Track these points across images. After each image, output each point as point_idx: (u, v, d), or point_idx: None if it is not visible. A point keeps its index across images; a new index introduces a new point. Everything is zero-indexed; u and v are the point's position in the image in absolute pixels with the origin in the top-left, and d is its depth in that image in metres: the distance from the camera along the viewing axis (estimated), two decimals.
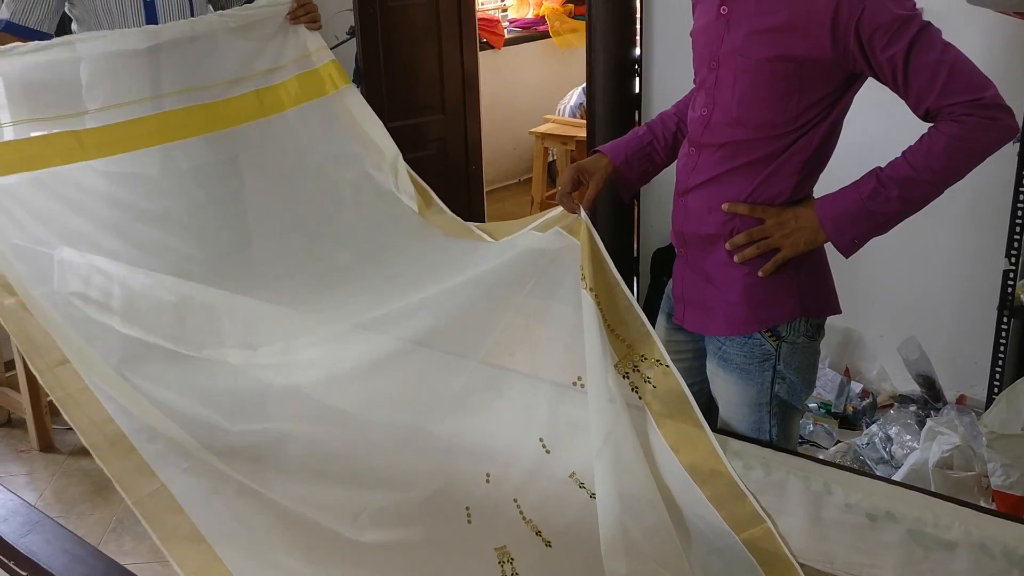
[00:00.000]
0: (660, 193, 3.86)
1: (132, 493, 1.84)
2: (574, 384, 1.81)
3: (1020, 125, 1.66)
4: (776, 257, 1.70)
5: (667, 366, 1.66)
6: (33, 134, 2.09)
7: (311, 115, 2.40)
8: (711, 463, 1.62)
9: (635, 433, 1.68)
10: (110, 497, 2.99)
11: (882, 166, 1.64)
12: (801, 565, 1.69)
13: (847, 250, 1.68)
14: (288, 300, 2.06)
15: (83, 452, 3.27)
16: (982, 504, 2.37)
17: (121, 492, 1.83)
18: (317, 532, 1.93)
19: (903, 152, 1.62)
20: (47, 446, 3.32)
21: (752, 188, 1.71)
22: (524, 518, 1.88)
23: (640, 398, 1.68)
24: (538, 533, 1.87)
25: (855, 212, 1.64)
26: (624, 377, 1.69)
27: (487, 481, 1.90)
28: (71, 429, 3.23)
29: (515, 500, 1.88)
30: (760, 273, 1.71)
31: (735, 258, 1.72)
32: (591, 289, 1.65)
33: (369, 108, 2.41)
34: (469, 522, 1.92)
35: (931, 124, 1.60)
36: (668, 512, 1.68)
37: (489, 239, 1.97)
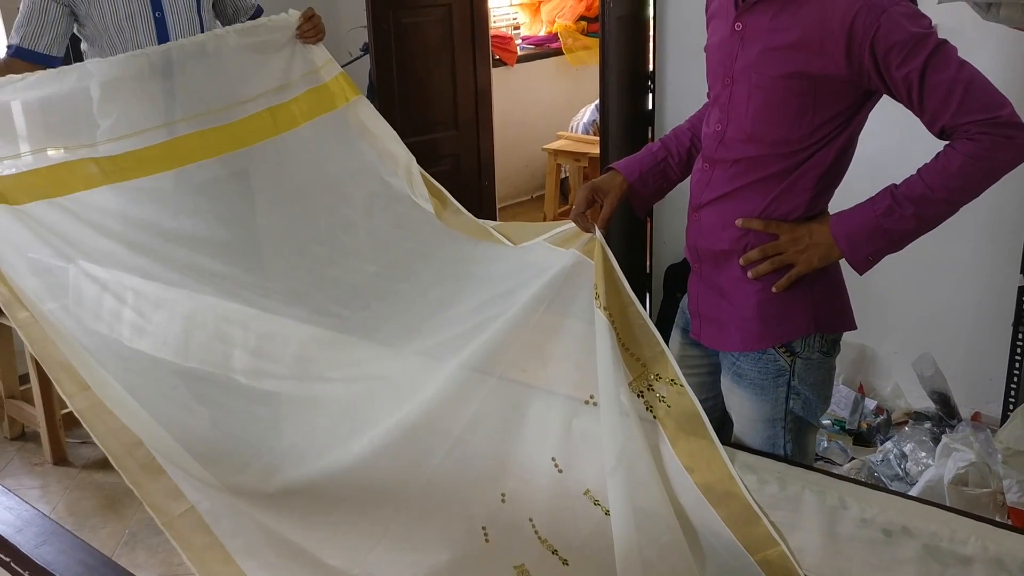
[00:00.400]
0: (673, 209, 3.87)
1: (162, 515, 1.85)
2: (587, 402, 1.81)
3: None
4: (790, 273, 1.69)
5: (682, 385, 1.65)
6: (52, 161, 2.11)
7: (324, 128, 2.42)
8: (725, 485, 1.61)
9: (649, 451, 1.68)
10: (123, 511, 2.99)
11: (897, 183, 1.63)
12: None
13: (861, 267, 1.68)
14: (306, 316, 2.07)
15: (96, 466, 3.29)
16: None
17: (152, 513, 1.84)
18: (336, 545, 1.94)
19: (918, 170, 1.62)
20: (60, 459, 3.33)
21: (766, 204, 1.71)
22: (540, 537, 1.87)
23: (654, 417, 1.67)
24: (554, 552, 1.86)
25: (870, 229, 1.63)
26: (639, 396, 1.69)
27: (503, 501, 1.90)
28: (85, 442, 3.29)
29: (531, 520, 1.87)
30: (774, 289, 1.71)
31: (749, 274, 1.72)
32: (605, 308, 1.65)
33: (381, 117, 2.43)
34: (487, 541, 1.91)
35: (947, 142, 1.60)
36: (682, 531, 1.68)
37: (506, 241, 1.97)
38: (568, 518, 1.82)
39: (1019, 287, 2.82)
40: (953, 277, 3.24)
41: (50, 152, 2.13)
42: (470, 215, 2.18)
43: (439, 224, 2.15)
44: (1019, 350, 2.89)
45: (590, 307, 1.71)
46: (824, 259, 1.68)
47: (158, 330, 2.13)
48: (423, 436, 1.92)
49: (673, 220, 3.92)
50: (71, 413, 3.32)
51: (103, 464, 3.30)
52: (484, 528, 1.89)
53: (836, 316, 1.80)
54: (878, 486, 1.70)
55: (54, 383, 1.89)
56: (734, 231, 1.73)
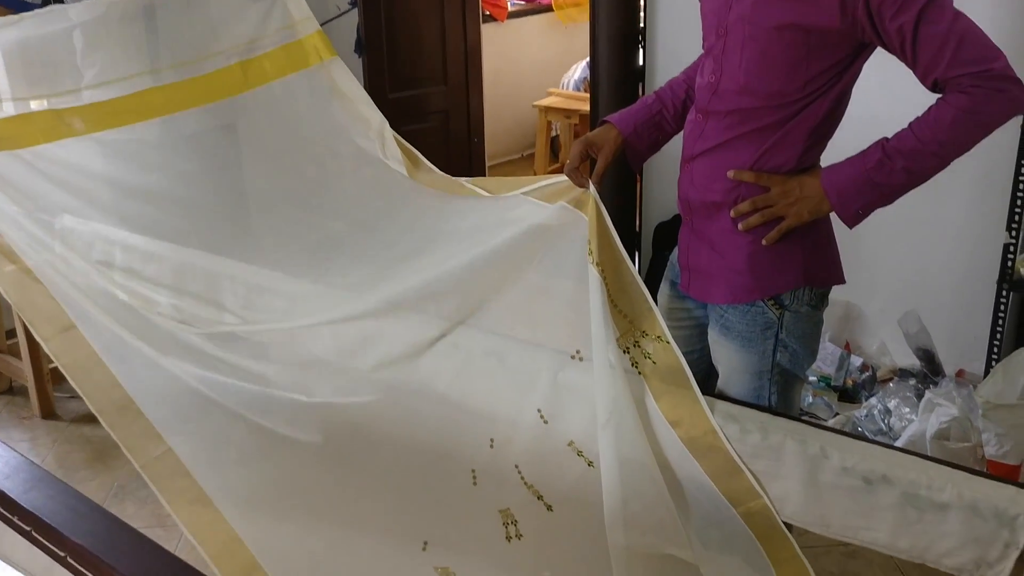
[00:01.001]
0: (663, 166, 3.85)
1: (139, 456, 1.86)
2: (573, 357, 1.83)
3: None
4: (780, 226, 1.70)
5: (668, 342, 1.67)
6: (33, 108, 2.09)
7: (296, 87, 2.38)
8: (709, 439, 1.64)
9: (635, 406, 1.70)
10: (111, 463, 3.01)
11: (888, 137, 1.63)
12: (797, 528, 1.71)
13: (851, 220, 1.68)
14: (286, 271, 2.07)
15: (85, 419, 3.30)
16: None
17: (128, 455, 1.85)
18: (321, 494, 1.95)
19: (910, 124, 1.61)
20: (49, 413, 3.34)
21: (758, 156, 1.71)
22: (526, 483, 1.90)
23: (640, 373, 1.69)
24: (540, 498, 1.89)
25: (860, 183, 1.63)
26: (625, 352, 1.70)
27: (491, 446, 1.92)
28: (73, 396, 3.30)
29: (516, 466, 1.90)
30: (764, 242, 1.71)
31: (739, 226, 1.72)
32: (598, 264, 1.66)
33: (355, 80, 2.39)
34: (475, 484, 1.94)
35: (939, 95, 1.59)
36: (667, 485, 1.70)
37: (485, 193, 1.96)
38: (553, 467, 1.84)
39: (1004, 244, 2.84)
40: (940, 236, 3.25)
41: (32, 104, 2.11)
42: (443, 173, 2.16)
43: (411, 183, 2.12)
44: (1003, 307, 2.92)
45: (580, 265, 1.72)
46: (814, 212, 1.68)
47: (149, 283, 2.14)
48: (409, 385, 1.94)
49: (663, 178, 3.91)
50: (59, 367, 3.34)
51: (92, 418, 3.28)
52: (473, 471, 1.91)
53: (825, 269, 1.81)
54: (859, 435, 1.72)
55: (28, 325, 1.89)
56: (726, 183, 1.73)
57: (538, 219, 1.78)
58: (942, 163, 1.61)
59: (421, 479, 1.96)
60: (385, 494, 1.97)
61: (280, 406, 1.96)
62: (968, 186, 3.11)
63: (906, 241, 3.32)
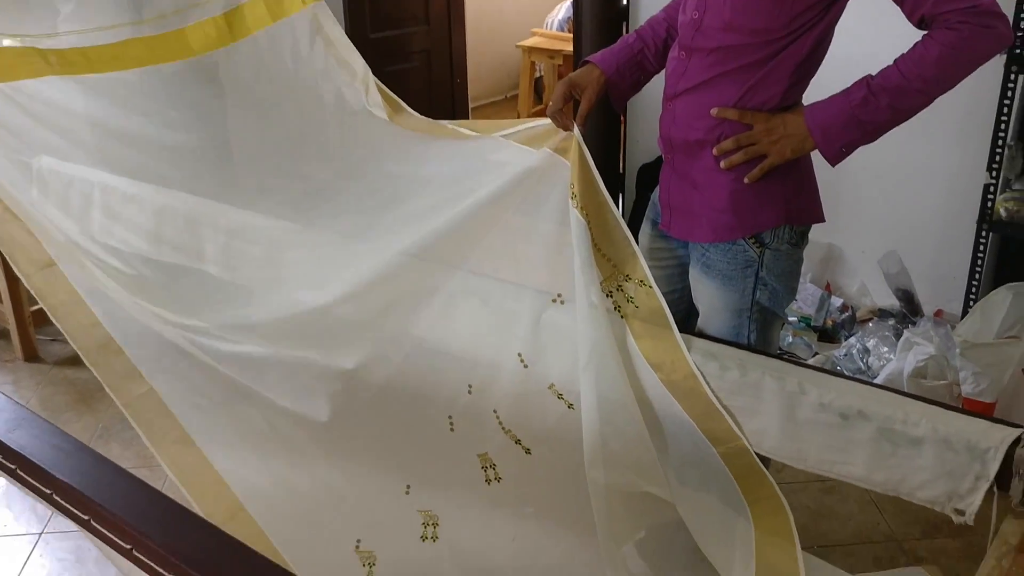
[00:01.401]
0: (647, 108, 3.84)
1: (121, 395, 1.87)
2: (554, 300, 1.84)
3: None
4: (763, 164, 1.70)
5: (650, 286, 1.68)
6: (7, 45, 2.05)
7: (280, 36, 2.34)
8: (690, 383, 1.66)
9: (618, 348, 1.71)
10: (95, 405, 3.02)
11: (873, 74, 1.63)
12: (775, 463, 1.74)
13: (834, 158, 1.68)
14: (272, 217, 2.06)
15: (68, 362, 3.30)
16: None
17: (111, 394, 1.85)
18: (303, 432, 1.97)
19: (895, 60, 1.61)
20: (32, 356, 3.34)
21: (742, 93, 1.70)
22: (504, 428, 1.92)
23: (622, 317, 1.70)
24: (518, 442, 1.91)
25: (844, 120, 1.63)
26: (608, 296, 1.71)
27: (469, 392, 1.94)
28: (56, 339, 3.29)
29: (495, 411, 1.91)
30: (746, 180, 1.71)
31: (722, 164, 1.72)
32: (582, 208, 1.66)
33: (339, 26, 2.36)
34: (452, 430, 1.96)
35: (925, 32, 1.59)
36: (647, 425, 1.72)
37: (468, 132, 1.94)
38: (532, 411, 1.86)
39: (985, 185, 2.85)
40: (922, 177, 3.26)
41: (6, 41, 2.07)
42: (424, 117, 2.14)
43: (394, 128, 2.09)
44: (982, 248, 2.94)
45: (562, 208, 1.72)
46: (797, 150, 1.68)
47: (128, 224, 2.12)
48: (390, 329, 1.94)
49: (647, 119, 3.89)
50: (41, 310, 3.31)
51: (75, 360, 3.30)
52: (450, 417, 1.93)
53: (806, 208, 1.81)
54: (836, 372, 1.74)
55: (9, 261, 1.88)
56: (708, 120, 1.73)
57: (522, 165, 1.77)
58: (927, 100, 1.61)
59: (402, 424, 1.98)
60: (368, 439, 1.99)
61: (263, 355, 1.97)
62: (950, 127, 3.11)
63: (888, 182, 3.33)
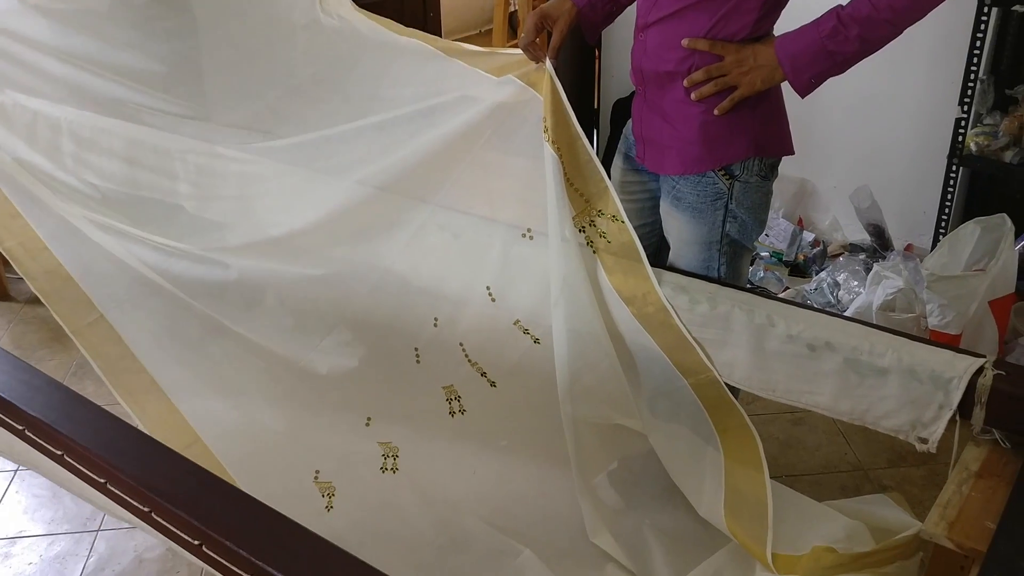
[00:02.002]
0: (622, 43, 3.80)
1: (71, 323, 1.85)
2: (524, 235, 1.83)
3: None
4: (733, 95, 1.69)
5: (622, 221, 1.68)
6: None
7: None
8: (661, 316, 1.67)
9: (589, 282, 1.72)
10: (69, 343, 2.95)
11: (843, 4, 1.62)
12: (745, 394, 1.77)
13: (804, 90, 1.68)
14: (245, 134, 2.03)
15: (39, 300, 3.26)
16: None
17: (60, 322, 1.83)
18: (268, 362, 1.97)
19: None
20: (3, 295, 3.31)
21: (712, 24, 1.69)
22: (469, 360, 1.94)
23: (594, 252, 1.71)
24: (483, 375, 1.93)
25: (814, 51, 1.63)
26: (580, 231, 1.71)
27: (435, 325, 1.94)
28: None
29: (461, 344, 1.92)
30: (716, 112, 1.71)
31: (692, 95, 1.71)
32: (553, 142, 1.65)
33: None
34: (418, 362, 1.97)
35: None
36: (619, 357, 1.74)
37: (433, 48, 1.85)
38: (498, 345, 1.88)
39: (956, 119, 2.86)
40: (893, 111, 3.26)
41: None
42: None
43: (349, 44, 1.97)
44: (952, 183, 2.96)
45: (533, 143, 1.71)
46: (767, 81, 1.68)
47: (100, 161, 2.09)
48: (358, 263, 1.94)
49: (622, 53, 3.86)
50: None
51: None
52: (416, 349, 1.94)
53: (776, 140, 1.81)
54: (805, 304, 1.76)
55: None
56: (680, 52, 1.72)
57: (492, 99, 1.75)
58: (896, 31, 1.60)
59: (365, 356, 1.99)
60: (330, 371, 1.99)
61: (235, 285, 1.96)
62: (922, 61, 3.11)
63: (859, 117, 3.33)
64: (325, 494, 1.96)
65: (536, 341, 1.87)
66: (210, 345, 1.96)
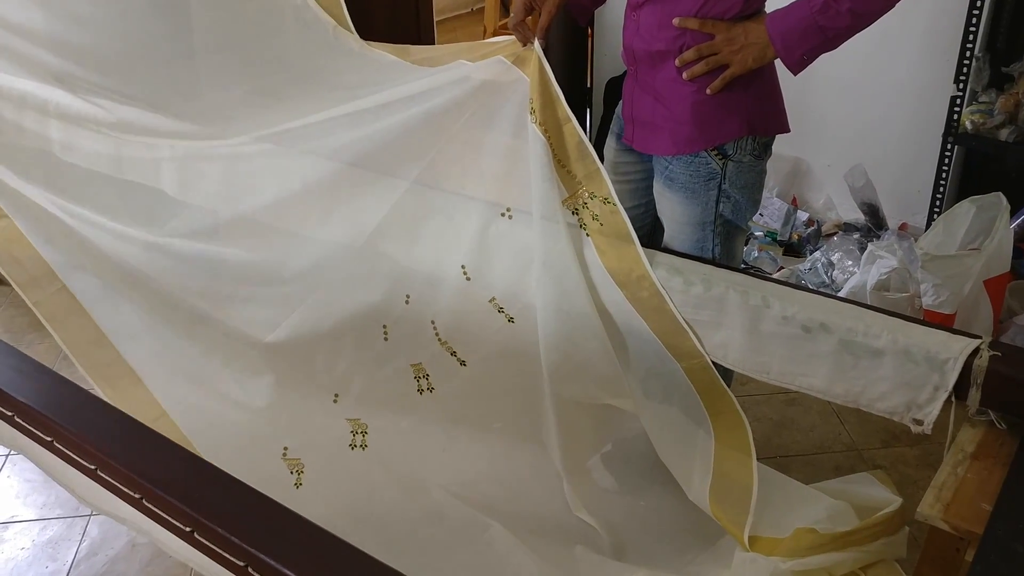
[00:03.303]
0: (614, 19, 3.77)
1: (32, 293, 1.84)
2: (503, 215, 1.82)
3: None
4: (724, 74, 1.67)
5: (614, 204, 1.66)
6: None
7: None
8: (655, 301, 1.66)
9: (578, 262, 1.70)
10: None
11: None
12: (740, 375, 1.76)
13: (796, 67, 1.66)
14: (227, 118, 2.01)
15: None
16: None
17: (21, 293, 1.81)
18: (232, 338, 1.95)
19: None
20: None
21: (703, 2, 1.67)
22: (439, 339, 1.92)
23: (587, 235, 1.69)
24: (453, 354, 1.92)
25: (805, 26, 1.61)
26: (573, 213, 1.70)
27: (406, 302, 1.93)
28: None
29: (432, 322, 1.91)
30: (708, 91, 1.69)
31: (684, 75, 1.69)
32: (541, 123, 1.63)
33: None
34: (386, 339, 1.96)
35: None
36: (609, 338, 1.73)
37: (418, 66, 1.82)
38: (471, 323, 1.87)
39: (951, 97, 2.85)
40: (889, 90, 3.24)
41: None
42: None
43: (335, 53, 1.93)
44: (947, 161, 2.95)
45: (516, 122, 1.68)
46: (759, 59, 1.66)
47: (89, 144, 2.07)
48: (331, 239, 1.92)
49: (615, 33, 3.83)
50: None
51: None
52: (384, 327, 1.93)
53: (770, 118, 1.80)
54: (799, 285, 1.75)
55: None
56: (671, 31, 1.70)
57: (477, 78, 1.73)
58: (888, 4, 1.59)
59: (331, 332, 1.97)
60: (297, 347, 1.98)
61: (200, 260, 1.95)
62: (916, 39, 3.09)
63: (854, 96, 3.31)
64: (294, 471, 1.96)
65: (511, 320, 1.86)
66: (174, 320, 1.94)
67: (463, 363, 1.91)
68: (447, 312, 1.89)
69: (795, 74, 1.67)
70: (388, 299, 1.92)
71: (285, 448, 1.97)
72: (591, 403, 1.86)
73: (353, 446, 2.00)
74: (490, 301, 1.84)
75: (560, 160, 1.66)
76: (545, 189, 1.66)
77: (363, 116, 1.80)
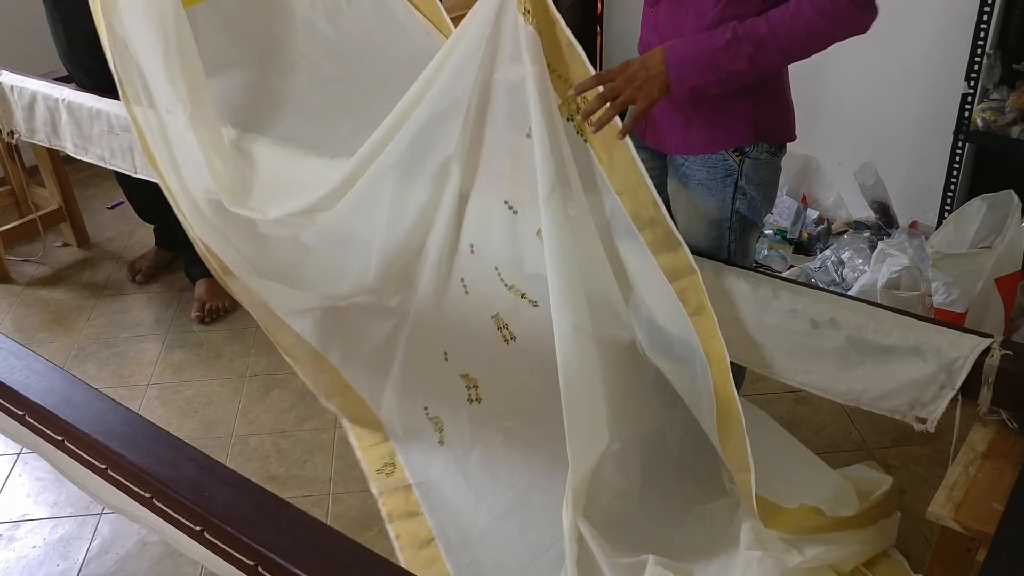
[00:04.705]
0: (625, 15, 3.78)
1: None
2: (506, 203, 1.81)
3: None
4: (634, 112, 1.64)
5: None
6: None
7: None
8: (650, 211, 1.64)
9: (582, 175, 1.68)
10: (70, 326, 3.00)
11: (741, 21, 1.59)
12: (751, 372, 1.75)
13: (683, 95, 1.65)
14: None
15: (40, 283, 3.26)
16: None
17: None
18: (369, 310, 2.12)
19: (767, 13, 1.57)
20: (3, 277, 3.29)
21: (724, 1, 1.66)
22: (506, 284, 1.88)
23: (585, 141, 1.67)
24: (523, 296, 1.88)
25: (702, 62, 1.59)
26: (568, 120, 1.67)
27: (471, 251, 1.90)
28: (26, 260, 3.26)
29: (496, 268, 1.87)
30: (618, 136, 1.64)
31: (591, 129, 1.64)
32: (534, 21, 1.58)
33: None
34: (467, 293, 1.94)
35: None
36: (610, 263, 1.73)
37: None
38: (524, 260, 1.83)
39: (962, 94, 2.83)
40: (899, 88, 3.23)
41: None
42: None
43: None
44: (958, 159, 2.94)
45: (525, 121, 1.66)
46: (664, 88, 1.63)
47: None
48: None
49: (625, 30, 3.83)
50: (9, 230, 3.27)
51: (48, 281, 3.27)
52: (463, 280, 1.92)
53: (779, 126, 1.79)
54: (809, 284, 1.75)
55: None
56: (691, 28, 1.69)
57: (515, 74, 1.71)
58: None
59: (426, 292, 1.98)
60: (407, 308, 2.05)
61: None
62: (927, 36, 3.07)
63: (865, 94, 3.30)
64: (437, 429, 2.13)
65: None
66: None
67: (535, 304, 1.87)
68: (504, 253, 1.85)
69: (674, 96, 1.65)
70: (455, 249, 1.91)
71: (426, 408, 2.15)
72: (595, 335, 1.80)
73: (471, 400, 2.09)
74: (536, 234, 1.80)
75: (551, 65, 1.62)
76: (542, 95, 1.61)
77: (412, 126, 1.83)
